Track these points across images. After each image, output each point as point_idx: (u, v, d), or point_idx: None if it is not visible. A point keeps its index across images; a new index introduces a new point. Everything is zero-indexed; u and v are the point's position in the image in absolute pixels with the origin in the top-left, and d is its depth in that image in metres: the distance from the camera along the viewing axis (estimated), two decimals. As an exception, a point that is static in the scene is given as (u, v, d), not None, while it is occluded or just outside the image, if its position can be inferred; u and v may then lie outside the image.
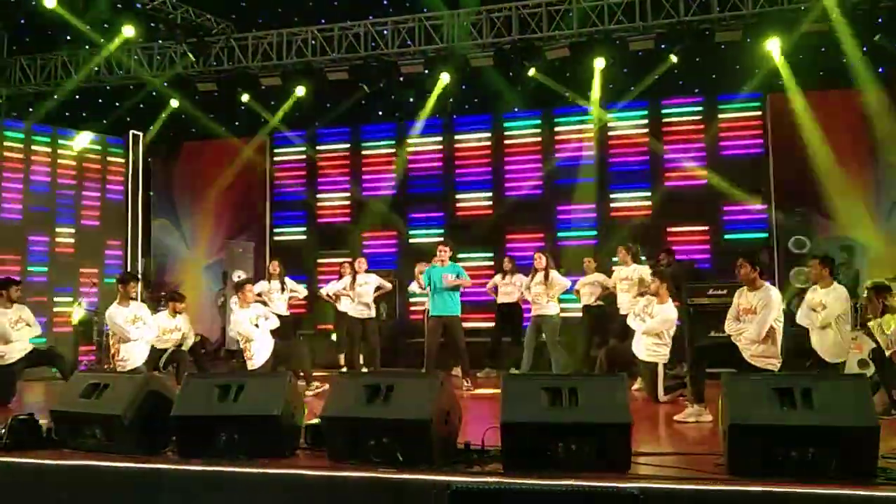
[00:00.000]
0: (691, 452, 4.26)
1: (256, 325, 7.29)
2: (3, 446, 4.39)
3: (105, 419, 4.38)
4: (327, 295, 9.51)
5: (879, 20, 9.14)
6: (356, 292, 9.08)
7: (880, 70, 9.88)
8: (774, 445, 3.53)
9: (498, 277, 9.40)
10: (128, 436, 4.32)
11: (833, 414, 3.55)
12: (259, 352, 7.25)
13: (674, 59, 9.75)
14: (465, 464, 3.90)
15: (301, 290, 9.49)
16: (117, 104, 11.97)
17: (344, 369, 9.51)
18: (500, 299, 9.25)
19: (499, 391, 4.04)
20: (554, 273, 8.35)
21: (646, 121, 11.28)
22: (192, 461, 4.08)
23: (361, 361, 9.24)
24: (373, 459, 3.86)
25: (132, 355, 7.04)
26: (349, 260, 9.60)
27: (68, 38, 11.07)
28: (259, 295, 8.36)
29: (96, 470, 4.07)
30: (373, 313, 9.16)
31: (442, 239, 10.01)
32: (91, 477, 4.06)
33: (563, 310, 8.59)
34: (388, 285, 9.44)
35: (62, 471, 4.14)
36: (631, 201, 11.25)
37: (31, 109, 11.51)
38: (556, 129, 11.64)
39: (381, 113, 12.36)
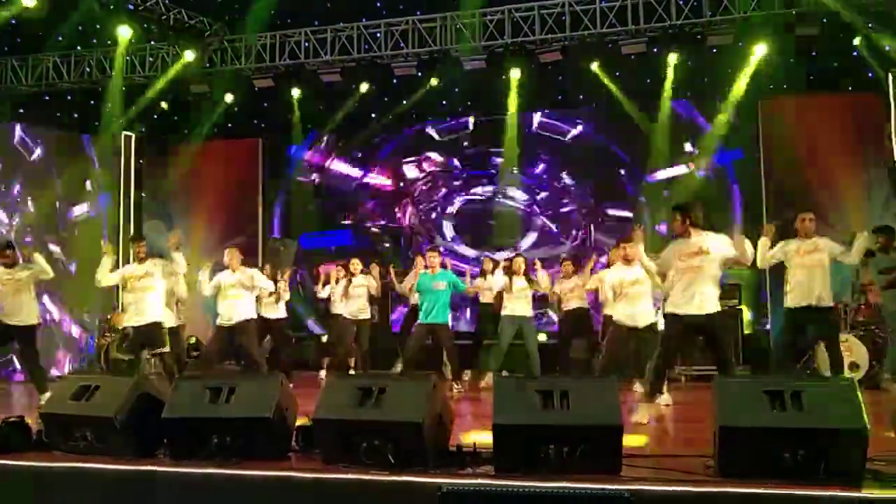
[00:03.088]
0: (682, 454, 4.28)
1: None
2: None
3: (96, 421, 4.36)
4: (324, 297, 9.54)
5: (870, 25, 9.22)
6: (350, 294, 9.07)
7: (870, 75, 9.96)
8: (764, 447, 3.55)
9: (479, 280, 9.37)
10: (119, 438, 4.30)
11: (822, 416, 3.58)
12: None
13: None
14: (457, 466, 3.90)
15: (285, 295, 9.35)
16: (109, 105, 11.93)
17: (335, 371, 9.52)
18: (481, 299, 9.26)
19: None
20: (537, 273, 8.42)
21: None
22: (184, 463, 4.07)
23: (352, 364, 9.27)
24: (364, 461, 3.87)
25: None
26: (343, 262, 9.61)
27: (59, 38, 11.04)
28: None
29: (87, 472, 4.06)
30: (367, 315, 9.17)
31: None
32: (81, 479, 4.05)
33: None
34: (376, 290, 9.37)
35: (52, 473, 4.12)
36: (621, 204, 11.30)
37: (21, 111, 11.46)
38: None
39: (373, 115, 12.36)
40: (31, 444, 4.53)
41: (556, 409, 3.86)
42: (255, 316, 7.64)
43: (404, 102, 11.70)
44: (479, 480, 3.61)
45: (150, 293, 7.05)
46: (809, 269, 6.35)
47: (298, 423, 4.50)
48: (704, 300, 5.41)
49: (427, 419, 3.88)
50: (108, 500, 4.02)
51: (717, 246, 5.47)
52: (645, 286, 6.76)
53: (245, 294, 7.38)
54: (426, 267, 7.92)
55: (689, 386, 8.16)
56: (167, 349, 7.20)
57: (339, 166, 12.83)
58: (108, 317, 10.68)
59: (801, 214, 6.66)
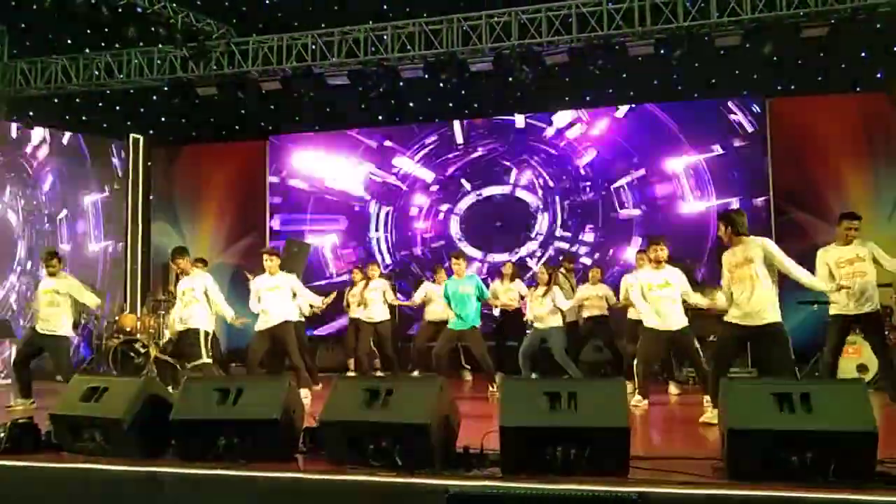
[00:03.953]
0: (690, 457, 4.26)
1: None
2: (2, 450, 4.39)
3: (104, 423, 4.38)
4: (346, 303, 9.59)
5: (878, 26, 9.19)
6: (367, 298, 9.12)
7: (878, 75, 9.92)
8: (773, 450, 3.54)
9: (497, 283, 9.35)
10: (127, 439, 4.32)
11: (832, 418, 3.56)
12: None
13: None
14: (464, 468, 3.90)
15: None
16: (117, 108, 12.00)
17: (353, 374, 9.54)
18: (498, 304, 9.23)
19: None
20: (556, 291, 8.31)
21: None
22: (191, 465, 4.08)
23: (378, 365, 9.32)
24: (372, 463, 3.87)
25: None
26: (360, 265, 9.64)
27: (69, 41, 11.10)
28: None
29: (95, 473, 4.07)
30: (385, 317, 9.19)
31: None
32: (90, 480, 4.06)
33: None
34: (392, 299, 9.39)
35: (61, 474, 4.14)
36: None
37: (31, 113, 11.53)
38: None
39: (380, 118, 12.38)
40: (40, 445, 4.56)
41: (564, 410, 3.85)
42: (293, 317, 7.65)
43: (411, 105, 11.71)
44: (487, 482, 3.60)
45: (194, 304, 7.13)
46: (850, 279, 6.14)
47: (305, 424, 4.51)
48: (758, 310, 5.28)
49: (434, 421, 3.88)
50: (117, 501, 4.04)
51: (760, 252, 5.33)
52: (674, 290, 6.54)
53: (282, 296, 7.41)
54: (452, 273, 8.01)
55: (698, 388, 8.13)
56: (203, 359, 7.06)
57: (344, 167, 12.84)
58: (116, 318, 10.72)
59: (844, 221, 6.41)
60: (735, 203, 10.39)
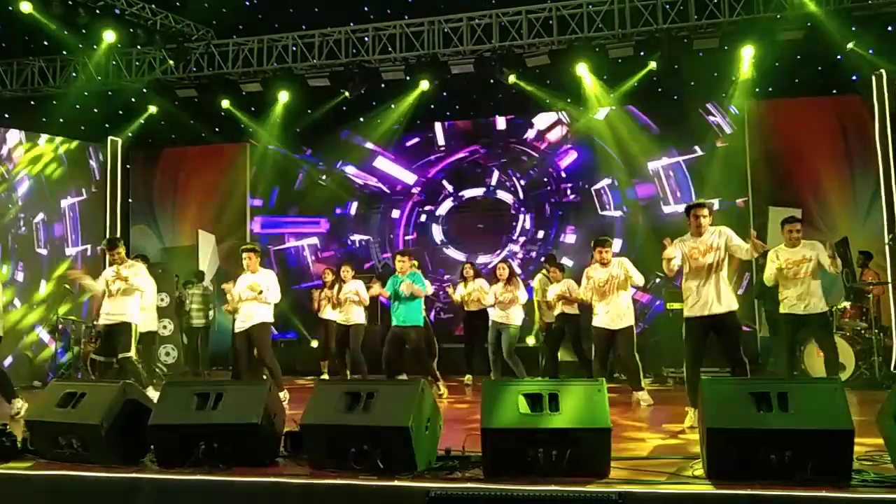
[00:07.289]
0: (671, 456, 4.30)
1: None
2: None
3: (82, 429, 4.32)
4: (316, 303, 9.53)
5: (853, 28, 9.31)
6: (341, 300, 9.06)
7: (854, 77, 10.04)
8: (752, 449, 3.57)
9: (461, 287, 9.28)
10: (105, 445, 4.27)
11: (809, 417, 3.60)
12: None
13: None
14: (446, 470, 3.90)
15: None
16: (96, 110, 11.87)
17: (326, 377, 9.49)
18: (466, 308, 9.23)
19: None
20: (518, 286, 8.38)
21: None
22: (171, 470, 4.05)
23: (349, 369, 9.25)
24: (353, 467, 3.86)
25: None
26: (333, 267, 9.60)
27: (46, 43, 10.96)
28: None
29: (73, 480, 4.02)
30: (360, 320, 9.13)
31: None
32: (67, 487, 4.01)
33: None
34: (366, 299, 9.34)
35: (38, 481, 4.09)
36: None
37: (6, 115, 11.37)
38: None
39: (361, 119, 12.34)
40: (17, 452, 4.49)
41: (545, 412, 3.86)
42: (270, 318, 7.55)
43: (392, 106, 11.69)
44: (468, 485, 3.60)
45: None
46: (797, 279, 6.27)
47: (287, 428, 4.49)
48: (720, 299, 5.42)
49: (415, 424, 3.88)
50: (95, 508, 3.99)
51: (725, 243, 5.48)
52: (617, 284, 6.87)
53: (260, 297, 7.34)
54: (398, 271, 7.94)
55: (677, 387, 8.19)
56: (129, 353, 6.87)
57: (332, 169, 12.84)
58: (94, 323, 10.57)
59: (786, 225, 6.52)
60: (716, 204, 10.45)
